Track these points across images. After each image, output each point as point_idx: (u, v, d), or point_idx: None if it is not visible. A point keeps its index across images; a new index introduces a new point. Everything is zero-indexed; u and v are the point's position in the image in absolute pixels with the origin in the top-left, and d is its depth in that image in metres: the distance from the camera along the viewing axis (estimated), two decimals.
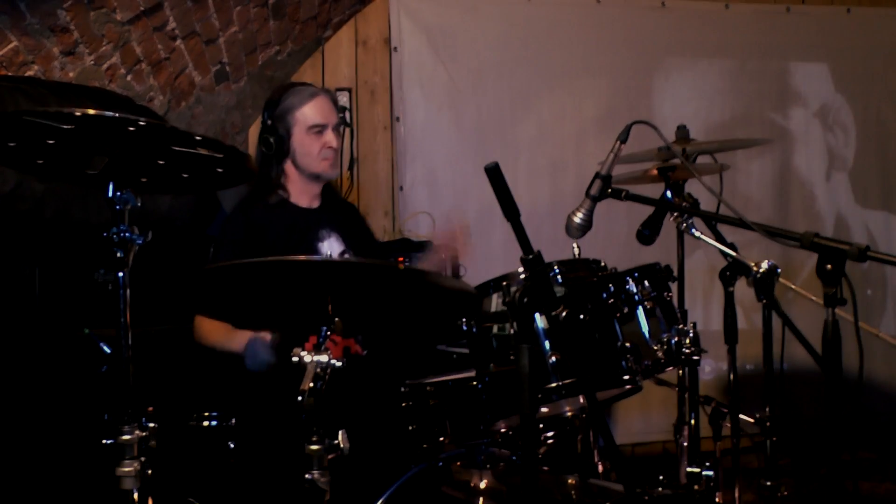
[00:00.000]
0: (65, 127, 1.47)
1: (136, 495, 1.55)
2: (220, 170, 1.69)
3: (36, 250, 2.48)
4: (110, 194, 1.59)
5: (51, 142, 1.52)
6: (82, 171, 1.59)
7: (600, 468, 2.45)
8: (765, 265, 1.99)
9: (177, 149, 1.58)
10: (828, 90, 4.65)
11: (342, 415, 1.78)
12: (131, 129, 1.48)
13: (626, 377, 1.91)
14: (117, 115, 1.45)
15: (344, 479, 1.72)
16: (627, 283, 1.98)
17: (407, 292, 1.79)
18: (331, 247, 2.61)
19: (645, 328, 1.98)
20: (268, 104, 2.62)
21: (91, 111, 1.44)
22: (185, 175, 1.73)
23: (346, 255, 2.62)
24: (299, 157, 2.58)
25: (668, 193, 2.53)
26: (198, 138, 1.54)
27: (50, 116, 1.44)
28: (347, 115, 4.11)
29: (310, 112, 2.57)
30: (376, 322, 2.02)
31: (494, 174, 1.60)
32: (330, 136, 2.59)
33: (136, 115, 2.86)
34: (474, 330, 1.96)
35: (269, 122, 2.58)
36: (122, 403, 1.57)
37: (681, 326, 2.03)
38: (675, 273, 2.34)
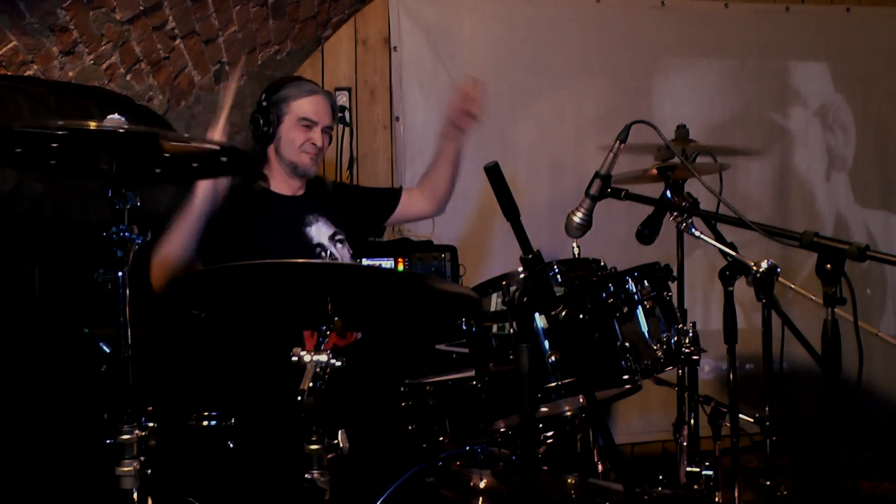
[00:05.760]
0: (59, 133, 1.47)
1: (135, 495, 1.55)
2: (223, 158, 1.70)
3: (36, 250, 2.48)
4: (110, 194, 1.59)
5: (54, 145, 1.53)
6: (94, 167, 1.58)
7: (600, 468, 2.45)
8: (764, 265, 1.99)
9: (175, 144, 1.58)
10: (827, 90, 4.66)
11: (342, 414, 1.78)
12: (122, 130, 1.48)
13: (626, 377, 1.91)
14: (107, 125, 1.44)
15: (344, 478, 1.72)
16: (627, 282, 1.98)
17: (406, 294, 1.79)
18: (319, 231, 2.58)
19: (644, 328, 1.98)
20: (268, 88, 2.60)
21: (92, 124, 1.43)
22: (194, 164, 1.73)
23: (339, 237, 2.61)
24: (282, 145, 2.56)
25: (668, 193, 2.54)
26: (194, 144, 1.54)
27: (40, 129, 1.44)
28: (347, 114, 4.11)
29: (305, 106, 2.55)
30: (376, 322, 2.02)
31: (494, 173, 1.60)
32: (317, 135, 2.56)
33: (135, 114, 2.88)
34: (474, 329, 1.96)
35: (265, 104, 2.57)
36: (122, 403, 1.57)
37: (680, 326, 2.03)
38: (675, 272, 2.34)
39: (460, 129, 2.72)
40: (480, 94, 2.63)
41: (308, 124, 2.55)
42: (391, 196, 2.87)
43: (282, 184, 2.61)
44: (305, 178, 2.63)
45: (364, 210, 2.79)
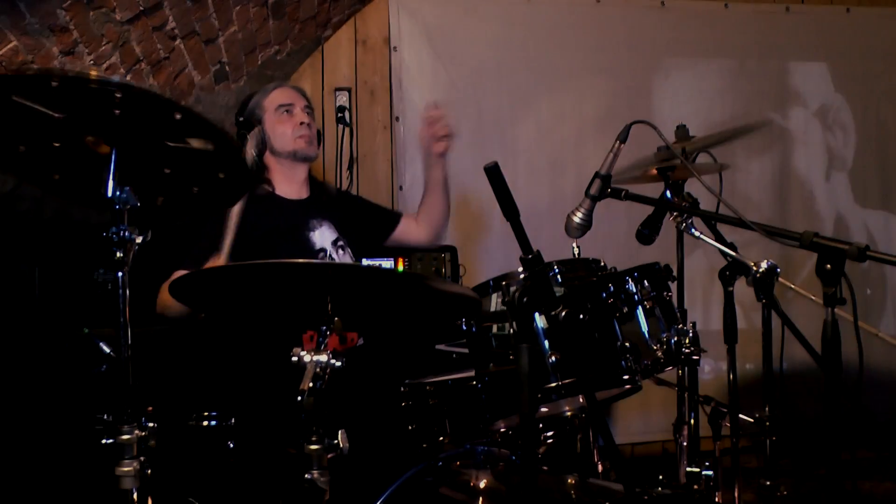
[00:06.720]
0: (56, 116, 1.47)
1: (135, 495, 1.55)
2: (221, 175, 1.69)
3: (36, 250, 2.48)
4: (110, 194, 1.59)
5: (56, 144, 1.52)
6: (99, 189, 1.57)
7: (600, 468, 2.45)
8: (764, 265, 1.99)
9: (170, 144, 1.57)
10: (827, 90, 4.65)
11: (342, 415, 1.78)
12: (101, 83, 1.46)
13: (626, 377, 1.91)
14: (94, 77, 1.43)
15: (344, 478, 1.72)
16: (627, 282, 1.98)
17: (406, 294, 1.79)
18: (322, 236, 2.59)
19: (644, 328, 1.98)
20: (238, 111, 2.70)
21: (93, 72, 1.43)
22: (195, 189, 1.73)
23: (340, 243, 2.62)
24: (275, 141, 2.60)
25: (668, 193, 2.53)
26: (178, 116, 1.52)
27: (32, 88, 1.42)
28: (347, 114, 4.11)
29: (275, 97, 2.64)
30: (376, 322, 2.02)
31: (494, 174, 1.60)
32: (301, 115, 2.63)
33: None
34: (474, 330, 1.96)
35: (241, 119, 2.65)
36: (122, 403, 1.57)
37: (680, 326, 2.03)
38: (675, 273, 2.33)
39: (439, 155, 2.74)
40: (441, 115, 2.68)
41: (287, 109, 2.62)
42: (390, 218, 2.91)
43: (284, 184, 2.62)
44: (308, 162, 2.67)
45: (364, 224, 2.81)
